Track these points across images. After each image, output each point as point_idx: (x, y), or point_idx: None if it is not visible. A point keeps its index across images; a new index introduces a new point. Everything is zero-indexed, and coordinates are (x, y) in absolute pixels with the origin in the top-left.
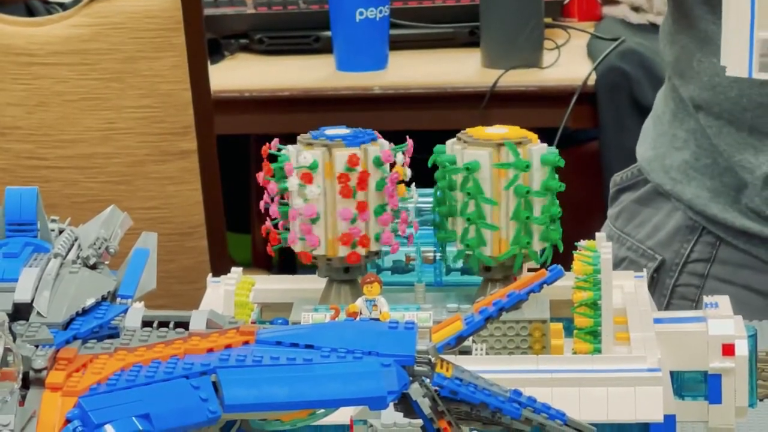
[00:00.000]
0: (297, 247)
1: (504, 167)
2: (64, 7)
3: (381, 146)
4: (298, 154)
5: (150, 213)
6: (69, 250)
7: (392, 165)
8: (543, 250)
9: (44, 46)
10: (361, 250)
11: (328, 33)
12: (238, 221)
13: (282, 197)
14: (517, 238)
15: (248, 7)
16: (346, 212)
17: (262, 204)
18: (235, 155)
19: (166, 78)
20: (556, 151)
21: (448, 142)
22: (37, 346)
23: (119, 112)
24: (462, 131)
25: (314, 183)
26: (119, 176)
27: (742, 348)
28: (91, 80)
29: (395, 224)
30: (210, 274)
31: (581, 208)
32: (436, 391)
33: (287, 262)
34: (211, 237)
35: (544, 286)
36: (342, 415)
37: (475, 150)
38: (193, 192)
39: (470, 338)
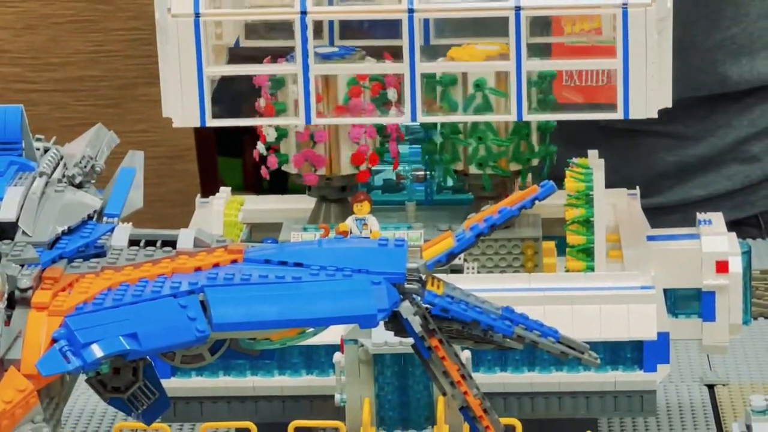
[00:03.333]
0: (301, 169)
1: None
2: None
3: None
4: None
5: (140, 136)
6: (54, 169)
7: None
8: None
9: None
10: (365, 167)
11: None
12: (228, 145)
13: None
14: (516, 154)
15: None
16: (356, 131)
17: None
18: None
19: None
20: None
21: (439, 61)
22: (22, 266)
23: (107, 34)
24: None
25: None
26: (108, 99)
27: (736, 265)
28: (78, 2)
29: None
30: (199, 195)
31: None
32: (427, 309)
33: (278, 185)
34: (202, 160)
35: (536, 202)
36: (332, 335)
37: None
38: None
39: (462, 257)
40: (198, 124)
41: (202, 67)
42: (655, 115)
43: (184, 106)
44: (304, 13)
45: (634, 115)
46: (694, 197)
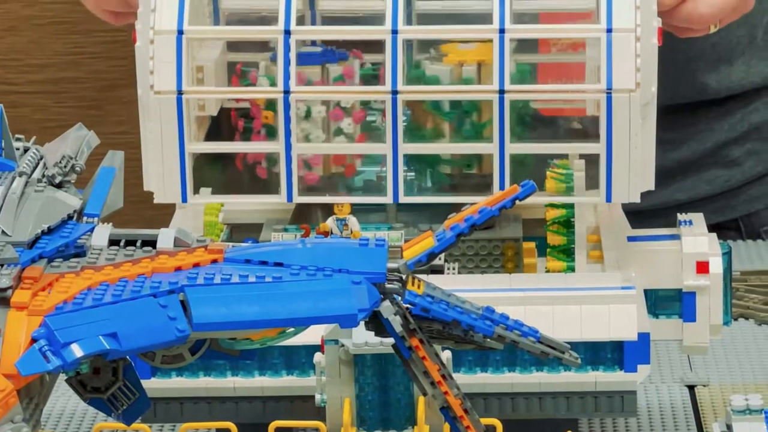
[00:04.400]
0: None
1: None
2: None
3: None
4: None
5: (121, 138)
6: (34, 168)
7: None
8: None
9: None
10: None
11: None
12: None
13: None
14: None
15: None
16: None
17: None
18: None
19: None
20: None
21: (425, 61)
22: (2, 265)
23: (89, 36)
24: (434, 48)
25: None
26: (89, 101)
27: (716, 265)
28: (60, 3)
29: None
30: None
31: None
32: (407, 308)
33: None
34: None
35: (517, 202)
36: (313, 335)
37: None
38: None
39: (442, 257)
40: (179, 201)
41: (184, 144)
42: (638, 200)
43: (165, 182)
44: (287, 92)
45: (616, 199)
46: (674, 201)
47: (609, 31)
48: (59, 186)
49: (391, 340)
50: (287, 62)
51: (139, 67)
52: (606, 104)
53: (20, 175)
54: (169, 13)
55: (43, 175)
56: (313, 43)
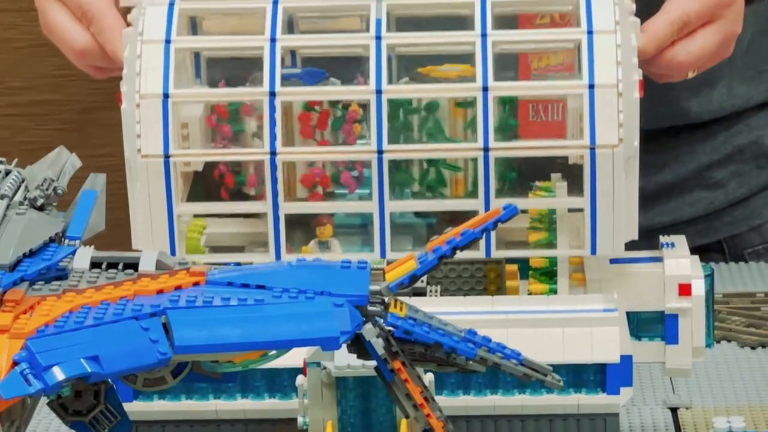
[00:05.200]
0: (256, 191)
1: (463, 107)
2: None
3: (333, 84)
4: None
5: (102, 160)
6: (16, 191)
7: (346, 104)
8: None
9: None
10: (321, 191)
11: None
12: None
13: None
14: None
15: None
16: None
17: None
18: None
19: None
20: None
21: (401, 83)
22: None
23: None
24: (415, 71)
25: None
26: (71, 123)
27: (698, 288)
28: (40, 26)
29: (352, 164)
30: None
31: None
32: (389, 331)
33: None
34: None
35: (499, 224)
36: (295, 358)
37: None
38: None
39: (424, 279)
40: None
41: (172, 206)
42: (622, 252)
43: (154, 242)
44: (274, 154)
45: (601, 252)
46: (657, 224)
47: (591, 87)
48: (41, 209)
49: (373, 363)
50: (273, 123)
51: (126, 129)
52: (590, 160)
53: (2, 197)
54: (155, 77)
55: (25, 198)
56: (293, 61)
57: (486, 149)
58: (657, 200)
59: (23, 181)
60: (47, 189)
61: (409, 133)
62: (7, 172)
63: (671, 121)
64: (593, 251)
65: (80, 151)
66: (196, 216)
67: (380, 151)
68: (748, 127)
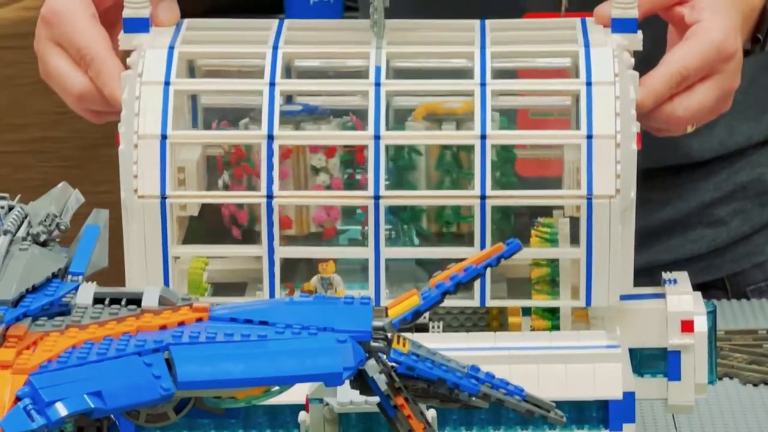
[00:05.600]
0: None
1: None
2: None
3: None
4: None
5: (104, 197)
6: (19, 227)
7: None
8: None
9: None
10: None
11: (282, 15)
12: None
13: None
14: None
15: None
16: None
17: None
18: None
19: None
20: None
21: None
22: None
23: None
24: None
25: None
26: (72, 160)
27: (701, 324)
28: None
29: None
30: None
31: None
32: (392, 367)
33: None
34: None
35: (502, 260)
36: (297, 394)
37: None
38: None
39: (427, 315)
40: None
41: (168, 247)
42: (617, 303)
43: (148, 283)
44: (270, 197)
45: (596, 303)
46: (660, 261)
47: (589, 137)
48: (44, 244)
49: (376, 399)
50: (270, 167)
51: (123, 170)
52: (586, 210)
53: (5, 233)
54: (153, 118)
55: (28, 234)
56: (289, 99)
57: (483, 197)
58: (659, 238)
59: (26, 216)
60: (50, 225)
61: (410, 173)
62: (10, 208)
63: (673, 160)
64: (588, 302)
65: (81, 187)
66: (195, 257)
67: (377, 197)
68: (750, 164)
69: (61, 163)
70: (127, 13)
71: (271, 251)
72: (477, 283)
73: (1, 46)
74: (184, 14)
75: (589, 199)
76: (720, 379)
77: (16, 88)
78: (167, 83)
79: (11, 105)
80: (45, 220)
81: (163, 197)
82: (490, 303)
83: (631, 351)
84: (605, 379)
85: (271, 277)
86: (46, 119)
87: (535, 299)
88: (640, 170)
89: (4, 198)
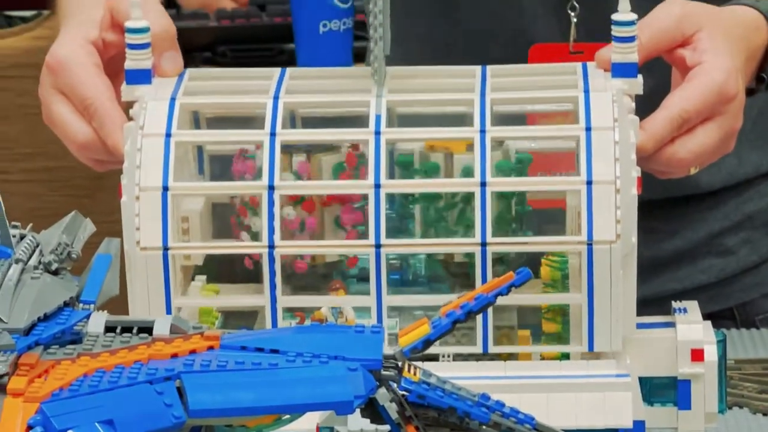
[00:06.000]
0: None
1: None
2: (25, 20)
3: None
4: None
5: (114, 226)
6: (30, 255)
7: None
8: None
9: (6, 59)
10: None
11: (292, 45)
12: None
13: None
14: None
15: (211, 20)
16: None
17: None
18: None
19: None
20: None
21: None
22: None
23: None
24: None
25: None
26: (83, 189)
27: (711, 353)
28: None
29: None
30: None
31: None
32: (403, 395)
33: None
34: None
35: (512, 289)
36: (308, 422)
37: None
38: None
39: (438, 344)
40: None
41: (171, 298)
42: (620, 348)
43: None
44: (272, 247)
45: (598, 348)
46: (668, 291)
47: (589, 183)
48: (55, 273)
49: (386, 427)
50: (271, 217)
51: (125, 222)
52: (587, 255)
53: (17, 262)
54: (155, 169)
55: (40, 262)
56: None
57: (483, 244)
58: (668, 267)
59: (38, 245)
60: (61, 253)
61: (410, 220)
62: (22, 237)
63: (681, 191)
64: (590, 348)
65: (92, 216)
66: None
67: (378, 246)
68: (758, 194)
69: (72, 192)
70: (129, 64)
71: (273, 301)
72: (479, 329)
73: (12, 75)
74: (189, 47)
75: (590, 245)
76: (730, 408)
77: (28, 118)
78: (168, 135)
79: (23, 134)
80: (56, 249)
81: (166, 248)
82: (492, 349)
83: (641, 380)
84: (615, 408)
85: (274, 324)
86: (58, 149)
87: (545, 329)
88: (648, 201)
89: (16, 227)
